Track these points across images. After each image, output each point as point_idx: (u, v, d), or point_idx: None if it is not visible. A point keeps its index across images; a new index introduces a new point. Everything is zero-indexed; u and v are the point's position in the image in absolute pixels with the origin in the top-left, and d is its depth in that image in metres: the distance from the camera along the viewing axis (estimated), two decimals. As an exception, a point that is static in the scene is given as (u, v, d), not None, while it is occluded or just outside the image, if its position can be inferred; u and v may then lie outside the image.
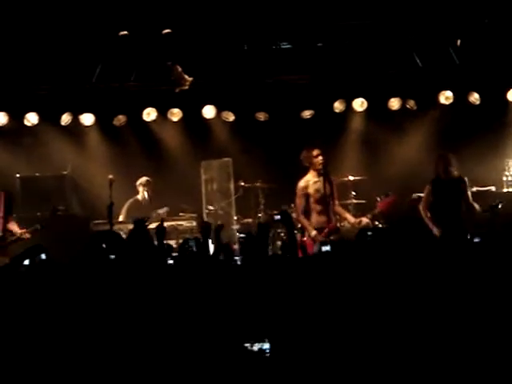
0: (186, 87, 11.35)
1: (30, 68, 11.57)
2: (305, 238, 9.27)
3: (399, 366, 4.41)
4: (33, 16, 10.71)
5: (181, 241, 10.58)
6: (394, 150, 12.51)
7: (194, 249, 6.26)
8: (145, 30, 11.11)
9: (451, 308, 4.71)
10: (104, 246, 5.76)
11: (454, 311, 4.68)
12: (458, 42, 11.69)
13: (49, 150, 12.31)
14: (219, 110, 12.63)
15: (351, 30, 11.49)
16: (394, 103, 12.53)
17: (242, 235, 11.14)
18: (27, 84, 11.89)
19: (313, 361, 4.48)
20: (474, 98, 12.34)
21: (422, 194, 9.99)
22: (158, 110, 12.49)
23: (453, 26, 11.50)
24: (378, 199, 10.36)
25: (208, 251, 6.58)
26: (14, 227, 9.62)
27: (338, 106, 12.60)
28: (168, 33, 11.00)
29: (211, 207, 12.29)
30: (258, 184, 11.84)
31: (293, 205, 10.04)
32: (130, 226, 9.58)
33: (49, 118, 12.28)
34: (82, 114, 12.38)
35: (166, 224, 10.54)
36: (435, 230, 9.24)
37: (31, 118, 12.25)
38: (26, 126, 12.27)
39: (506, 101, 12.29)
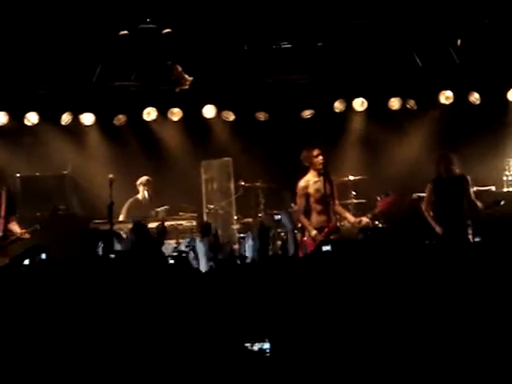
0: (186, 87, 11.35)
1: (30, 67, 11.56)
2: (305, 238, 9.29)
3: (400, 365, 4.41)
4: (33, 16, 10.69)
5: (181, 240, 10.64)
6: (394, 149, 12.51)
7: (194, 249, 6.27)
8: (145, 30, 11.11)
9: (451, 307, 4.71)
10: (100, 243, 5.77)
11: (455, 311, 4.68)
12: (458, 41, 11.69)
13: (49, 150, 12.30)
14: (219, 110, 12.63)
15: (351, 29, 11.49)
16: (394, 103, 12.54)
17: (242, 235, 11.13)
18: (27, 83, 11.87)
19: (313, 361, 4.49)
20: (474, 97, 12.36)
21: (422, 194, 10.02)
22: (158, 110, 12.50)
23: (453, 26, 11.50)
24: (378, 199, 10.39)
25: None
26: (14, 227, 9.58)
27: (338, 106, 12.61)
28: (168, 33, 11.00)
29: (211, 207, 12.29)
30: (258, 184, 11.83)
31: (293, 204, 10.06)
32: (130, 226, 9.63)
33: (49, 117, 12.28)
34: (82, 113, 12.40)
35: (165, 224, 10.66)
36: (438, 229, 9.28)
37: (31, 118, 12.25)
38: (26, 125, 12.27)
39: (506, 101, 12.31)
